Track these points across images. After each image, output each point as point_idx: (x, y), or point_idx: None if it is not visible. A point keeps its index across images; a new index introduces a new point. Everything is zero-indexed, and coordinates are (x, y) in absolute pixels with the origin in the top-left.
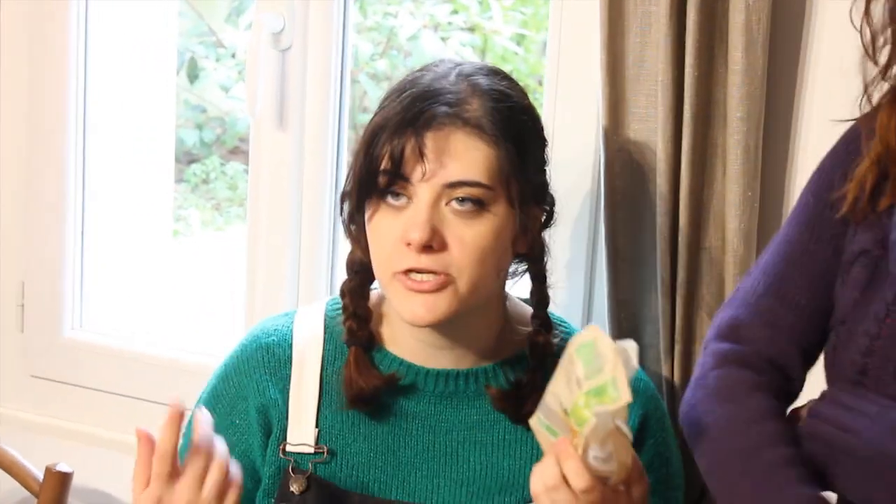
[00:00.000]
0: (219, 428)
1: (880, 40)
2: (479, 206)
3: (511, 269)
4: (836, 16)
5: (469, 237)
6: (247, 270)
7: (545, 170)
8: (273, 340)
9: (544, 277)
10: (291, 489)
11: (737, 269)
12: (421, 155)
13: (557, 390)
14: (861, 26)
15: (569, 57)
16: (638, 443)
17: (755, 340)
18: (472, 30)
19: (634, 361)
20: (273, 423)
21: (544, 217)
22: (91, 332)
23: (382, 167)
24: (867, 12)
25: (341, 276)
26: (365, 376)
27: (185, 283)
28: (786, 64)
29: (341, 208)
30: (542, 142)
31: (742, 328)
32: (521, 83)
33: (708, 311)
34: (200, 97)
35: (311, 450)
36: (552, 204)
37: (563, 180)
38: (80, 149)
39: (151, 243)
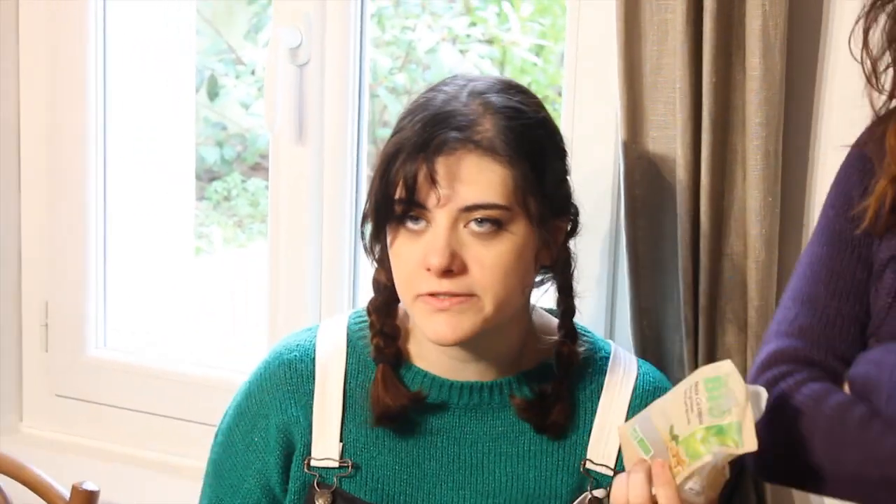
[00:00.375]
0: (238, 444)
1: (881, 66)
2: (498, 226)
3: (537, 280)
4: (852, 18)
5: (489, 259)
6: (269, 285)
7: (566, 180)
8: (295, 356)
9: (571, 288)
10: (316, 503)
11: (759, 274)
12: (433, 182)
13: (670, 412)
14: (861, 57)
15: (586, 66)
16: None
17: (806, 353)
18: (490, 42)
19: (763, 407)
20: (296, 441)
21: (569, 227)
22: (115, 351)
23: (397, 195)
24: (865, 42)
25: (363, 289)
26: (392, 394)
27: (208, 301)
28: (804, 68)
29: (362, 231)
30: (560, 153)
31: (784, 354)
32: (537, 95)
33: (731, 319)
34: (221, 114)
35: (336, 464)
36: (576, 214)
37: (583, 190)
38: (101, 168)
39: (173, 261)
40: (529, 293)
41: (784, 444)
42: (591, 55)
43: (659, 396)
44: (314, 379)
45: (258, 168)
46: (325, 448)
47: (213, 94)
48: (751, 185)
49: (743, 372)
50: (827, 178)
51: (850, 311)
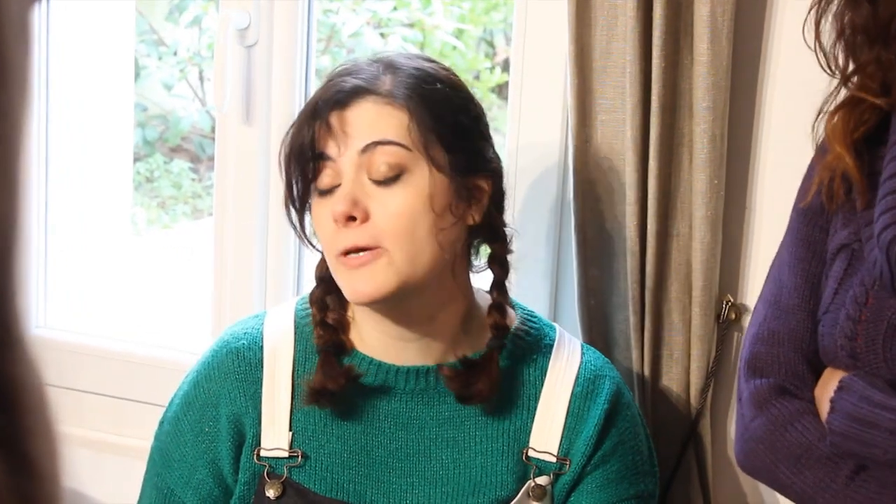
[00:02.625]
0: (187, 434)
1: (832, 55)
2: (399, 171)
3: (473, 254)
4: (798, 5)
5: (392, 204)
6: (214, 264)
7: (483, 141)
8: (243, 344)
9: (502, 258)
10: (268, 495)
11: (704, 255)
12: (329, 130)
13: None
14: (815, 48)
15: (534, 48)
16: (602, 436)
17: (773, 369)
18: (412, 26)
19: None
20: (246, 431)
21: (492, 189)
22: (56, 330)
23: (307, 156)
24: (818, 33)
25: (309, 268)
26: (331, 379)
27: (140, 281)
28: (750, 54)
29: (289, 220)
30: (469, 113)
31: (758, 360)
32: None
33: (677, 298)
34: (142, 95)
35: (286, 454)
36: (499, 176)
37: (531, 170)
38: (43, 150)
39: (109, 242)
40: (453, 254)
41: (753, 461)
42: (540, 38)
43: (600, 384)
44: (262, 367)
45: (179, 149)
46: (275, 438)
47: (134, 75)
48: (697, 168)
49: (686, 349)
50: (770, 161)
51: (811, 306)
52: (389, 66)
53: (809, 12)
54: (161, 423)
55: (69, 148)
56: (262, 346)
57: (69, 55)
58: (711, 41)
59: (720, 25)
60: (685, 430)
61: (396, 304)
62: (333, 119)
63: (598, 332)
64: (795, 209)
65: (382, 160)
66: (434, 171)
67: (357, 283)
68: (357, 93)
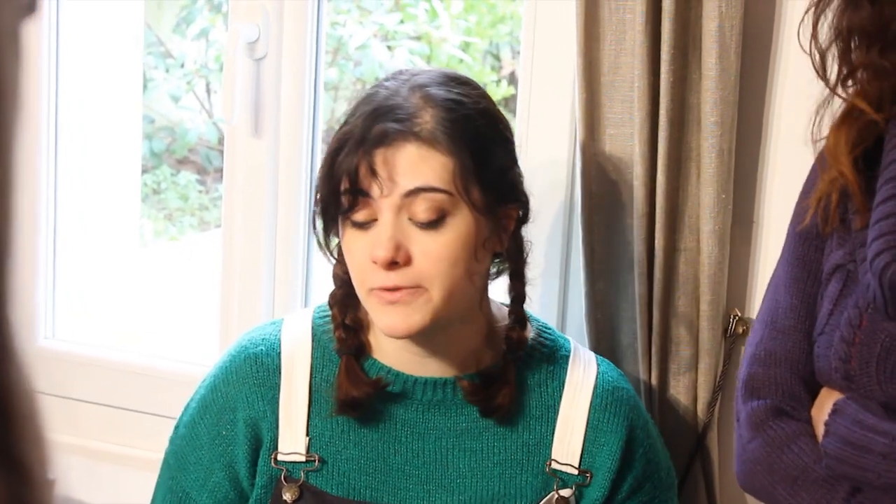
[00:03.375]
0: (203, 437)
1: (828, 58)
2: (441, 215)
3: (492, 270)
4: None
5: (434, 249)
6: (222, 276)
7: (513, 168)
8: (261, 350)
9: (522, 275)
10: (284, 498)
11: (711, 269)
12: (374, 173)
13: None
14: (810, 49)
15: (543, 63)
16: (628, 456)
17: (770, 390)
18: (419, 38)
19: None
20: (263, 435)
21: (520, 213)
22: (64, 342)
23: (343, 188)
24: (815, 33)
25: (317, 280)
26: (356, 384)
27: (148, 292)
28: (758, 68)
29: (314, 227)
30: (503, 141)
31: (755, 380)
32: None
33: (684, 312)
34: (149, 107)
35: (303, 458)
36: (526, 201)
37: (539, 184)
38: (53, 162)
39: (118, 254)
40: (482, 283)
41: (751, 482)
42: (548, 52)
43: (618, 397)
44: (280, 373)
45: (186, 161)
46: (292, 442)
47: (141, 87)
48: (705, 183)
49: (693, 363)
50: (777, 175)
51: (807, 327)
52: (428, 99)
53: (807, 13)
54: (176, 427)
55: (78, 159)
56: (279, 352)
57: (78, 66)
58: (720, 56)
59: (728, 40)
60: (692, 444)
61: (421, 334)
62: (377, 159)
63: (605, 345)
64: (792, 228)
65: (425, 206)
66: (473, 213)
67: (392, 320)
68: (402, 135)
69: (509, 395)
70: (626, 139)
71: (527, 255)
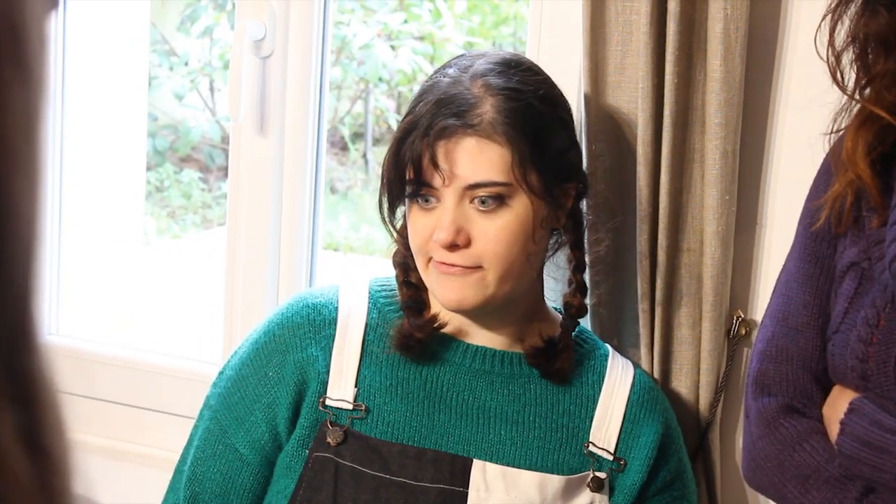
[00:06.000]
0: (250, 378)
1: (843, 63)
2: (500, 201)
3: (552, 241)
4: (810, 22)
5: (492, 231)
6: (226, 273)
7: (572, 148)
8: (320, 301)
9: (582, 244)
10: (328, 440)
11: (714, 270)
12: (436, 165)
13: None
14: (827, 55)
15: (548, 62)
16: (664, 450)
17: (781, 387)
18: (423, 38)
19: None
20: (310, 379)
21: (579, 188)
22: (68, 338)
23: (408, 176)
24: (831, 40)
25: (321, 277)
26: (417, 328)
27: (152, 289)
28: (762, 70)
29: (380, 203)
30: (563, 125)
31: (767, 377)
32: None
33: (686, 313)
34: (152, 105)
35: (350, 406)
36: (584, 177)
37: None
38: (58, 158)
39: (123, 250)
40: (539, 263)
41: (760, 479)
42: (553, 52)
43: (654, 396)
44: (336, 325)
45: (189, 160)
46: (341, 390)
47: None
48: (708, 184)
49: (695, 364)
50: (781, 177)
51: (820, 324)
52: (487, 88)
53: (823, 20)
54: (221, 372)
55: (83, 157)
56: (337, 307)
57: (84, 64)
58: (724, 58)
59: (733, 42)
60: (694, 443)
61: (479, 309)
62: (439, 152)
63: (609, 343)
64: (803, 226)
65: (485, 194)
66: (531, 198)
67: (447, 291)
68: (462, 128)
69: (569, 360)
70: (631, 139)
71: (586, 227)
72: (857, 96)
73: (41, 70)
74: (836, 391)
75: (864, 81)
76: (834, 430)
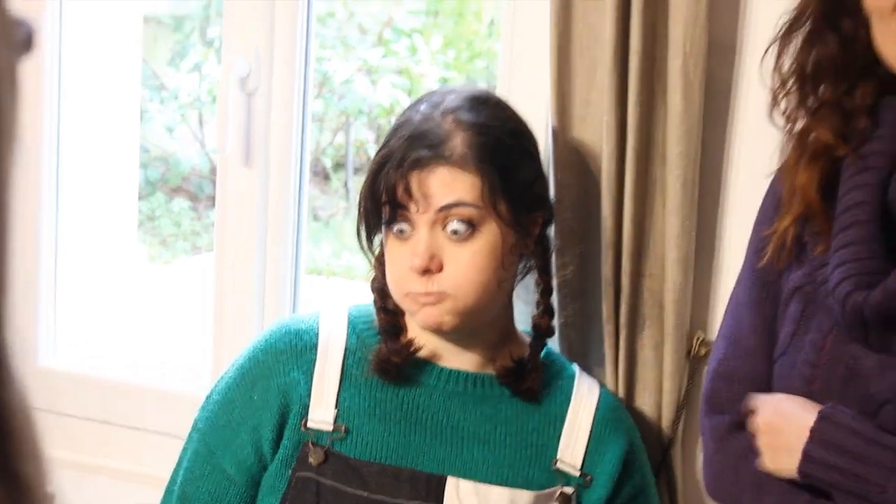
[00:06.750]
0: (236, 402)
1: (786, 89)
2: (471, 228)
3: (521, 266)
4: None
5: (464, 257)
6: (215, 297)
7: (539, 178)
8: (301, 328)
9: (549, 269)
10: (310, 461)
11: (675, 294)
12: (409, 193)
13: None
14: (773, 83)
15: (518, 96)
16: (628, 466)
17: (731, 405)
18: (400, 73)
19: None
20: (292, 403)
21: (545, 217)
22: (65, 361)
23: (384, 202)
24: (777, 66)
25: (304, 301)
26: (395, 353)
27: (144, 314)
28: (721, 104)
29: (358, 232)
30: (530, 157)
31: (719, 397)
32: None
33: (649, 334)
34: (144, 138)
35: (330, 428)
36: (551, 206)
37: None
38: (54, 186)
39: (116, 276)
40: (509, 288)
41: (718, 490)
42: (523, 86)
43: (619, 414)
44: (317, 350)
45: (180, 190)
46: (322, 412)
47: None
48: (670, 213)
49: (658, 383)
50: (739, 205)
51: (769, 347)
52: (458, 123)
53: (768, 48)
54: (209, 396)
55: (79, 187)
56: (317, 332)
57: (79, 99)
58: (684, 93)
59: (692, 77)
60: (657, 459)
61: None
62: (413, 181)
63: (576, 363)
64: (750, 249)
65: (457, 217)
66: (501, 225)
67: (426, 316)
68: (434, 159)
69: (538, 379)
70: (595, 171)
71: (552, 252)
72: (798, 127)
73: (11, 119)
74: (769, 398)
75: (812, 110)
76: (765, 438)
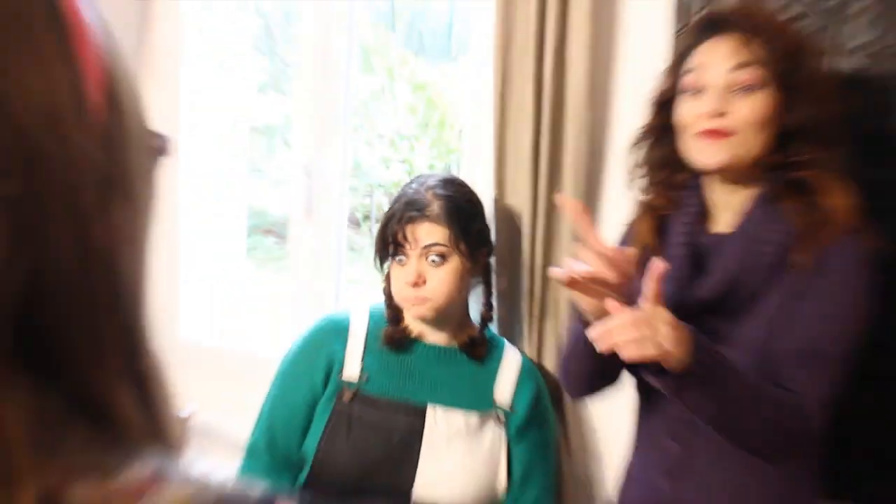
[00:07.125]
0: (301, 362)
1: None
2: (443, 259)
3: (474, 281)
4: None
5: (438, 277)
6: (292, 298)
7: (484, 229)
8: (339, 318)
9: (490, 285)
10: (344, 399)
11: (566, 298)
12: (405, 237)
13: None
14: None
15: (473, 178)
16: (535, 403)
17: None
18: (403, 161)
19: None
20: (334, 363)
21: (488, 252)
22: (187, 341)
23: (389, 245)
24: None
25: (346, 297)
26: (398, 332)
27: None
28: (601, 176)
29: (374, 259)
30: (481, 216)
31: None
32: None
33: (551, 323)
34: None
35: (357, 378)
36: (491, 245)
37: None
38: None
39: (231, 278)
40: (466, 294)
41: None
42: (476, 172)
43: (533, 372)
44: (349, 331)
45: (270, 231)
46: (352, 368)
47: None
48: (565, 250)
49: (558, 352)
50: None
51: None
52: (435, 195)
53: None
54: (284, 359)
55: (207, 230)
56: (349, 320)
57: (196, 168)
58: (574, 181)
59: (578, 169)
60: (556, 397)
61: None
62: (408, 231)
63: (506, 339)
64: None
65: (434, 252)
66: (462, 258)
67: (414, 312)
68: (420, 217)
69: (483, 348)
70: (521, 199)
71: (492, 272)
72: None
73: (145, 200)
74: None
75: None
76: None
